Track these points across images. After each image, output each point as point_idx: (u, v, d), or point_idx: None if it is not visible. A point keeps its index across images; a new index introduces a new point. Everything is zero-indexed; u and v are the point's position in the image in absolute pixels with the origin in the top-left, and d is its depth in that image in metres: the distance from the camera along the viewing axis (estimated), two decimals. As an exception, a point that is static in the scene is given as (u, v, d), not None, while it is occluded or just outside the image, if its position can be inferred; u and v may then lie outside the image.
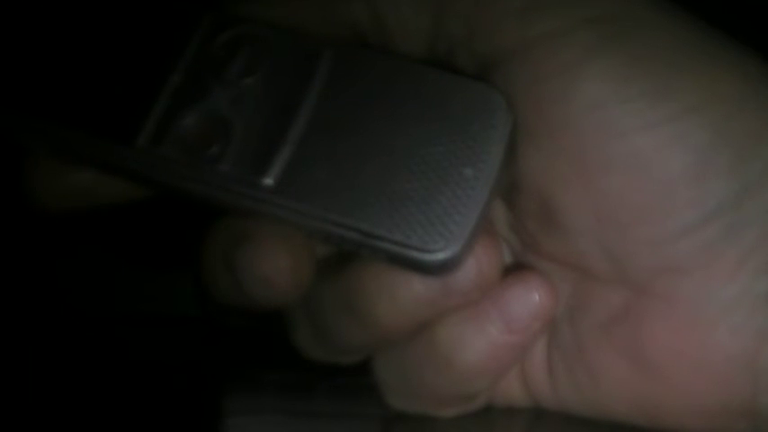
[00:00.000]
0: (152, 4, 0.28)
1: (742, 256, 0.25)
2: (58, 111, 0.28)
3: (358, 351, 0.29)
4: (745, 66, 0.26)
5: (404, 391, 0.29)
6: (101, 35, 0.28)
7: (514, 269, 0.28)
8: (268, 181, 0.26)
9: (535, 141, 0.26)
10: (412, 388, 0.28)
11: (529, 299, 0.27)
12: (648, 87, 0.25)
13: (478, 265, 0.26)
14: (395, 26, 0.27)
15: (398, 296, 0.27)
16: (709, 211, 0.25)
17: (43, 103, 0.28)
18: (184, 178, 0.27)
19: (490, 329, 0.27)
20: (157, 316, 0.40)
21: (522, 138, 0.26)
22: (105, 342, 0.39)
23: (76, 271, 0.41)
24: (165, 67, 0.27)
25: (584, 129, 0.25)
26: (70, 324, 0.40)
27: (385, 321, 0.27)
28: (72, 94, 0.28)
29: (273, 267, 0.26)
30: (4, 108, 0.28)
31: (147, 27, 0.28)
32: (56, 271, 0.41)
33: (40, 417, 0.34)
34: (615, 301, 0.27)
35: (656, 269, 0.26)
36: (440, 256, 0.26)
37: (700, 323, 0.26)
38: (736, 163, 0.25)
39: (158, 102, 0.27)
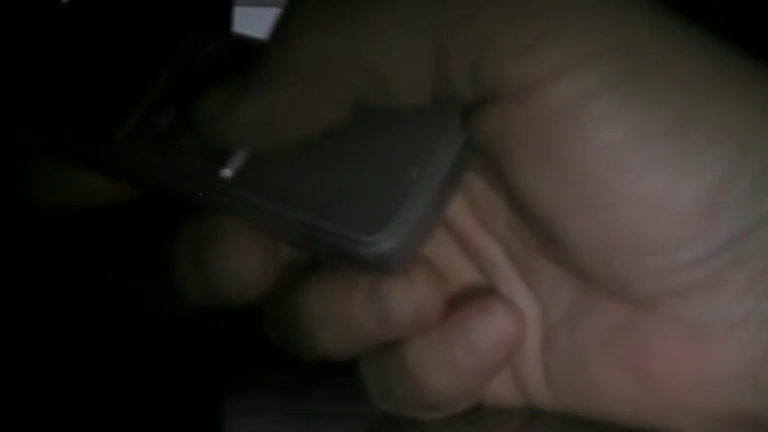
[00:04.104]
0: (147, 15, 0.29)
1: (750, 280, 0.25)
2: (45, 104, 0.29)
3: (327, 357, 0.29)
4: (763, 91, 0.25)
5: (384, 397, 0.29)
6: (94, 39, 0.30)
7: (483, 292, 0.28)
8: (226, 172, 0.27)
9: (543, 175, 0.25)
10: (390, 396, 0.29)
11: (493, 327, 0.27)
12: (663, 126, 0.24)
13: (415, 301, 0.26)
14: (398, 85, 0.26)
15: (340, 324, 0.27)
16: (721, 242, 0.25)
17: (32, 97, 0.29)
18: (154, 169, 0.28)
19: (455, 355, 0.27)
20: (157, 316, 0.40)
21: (529, 169, 0.25)
22: (105, 342, 0.39)
23: (76, 271, 0.41)
24: (150, 72, 0.28)
25: (594, 168, 0.25)
26: (70, 324, 0.40)
27: (331, 345, 0.28)
28: (61, 91, 0.29)
29: (242, 262, 0.27)
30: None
31: (139, 35, 0.29)
32: (55, 271, 0.41)
33: (40, 417, 0.34)
34: (617, 313, 0.27)
35: (663, 292, 0.26)
36: (377, 249, 0.26)
37: (704, 340, 0.25)
38: (750, 195, 0.24)
39: (140, 102, 0.28)
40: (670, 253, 0.25)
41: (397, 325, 0.27)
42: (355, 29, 0.25)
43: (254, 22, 0.42)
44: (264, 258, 0.27)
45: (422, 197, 0.26)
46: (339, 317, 0.27)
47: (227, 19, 0.42)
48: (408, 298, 0.26)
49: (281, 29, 0.26)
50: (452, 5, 0.25)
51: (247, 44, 0.29)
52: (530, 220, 0.27)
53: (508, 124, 0.25)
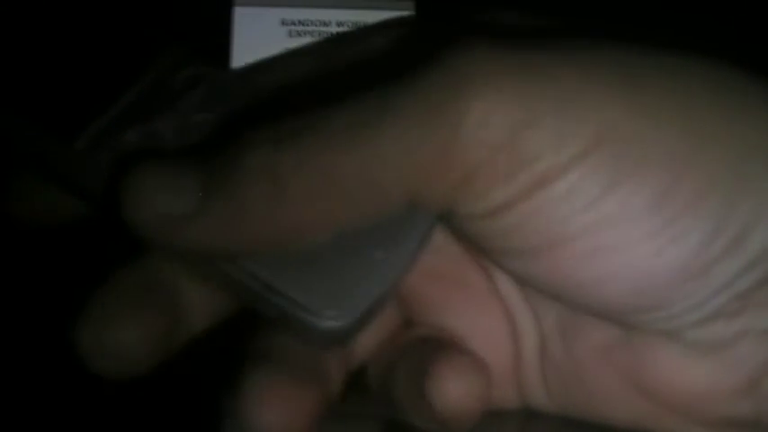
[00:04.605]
0: (126, 26, 0.29)
1: (743, 302, 0.25)
2: (9, 100, 0.28)
3: None
4: (739, 149, 0.25)
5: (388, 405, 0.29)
6: (71, 43, 0.29)
7: (449, 347, 0.28)
8: None
9: (526, 262, 0.25)
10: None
11: (457, 388, 0.26)
12: (644, 203, 0.24)
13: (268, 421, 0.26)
14: (363, 223, 0.25)
15: None
16: (712, 292, 0.25)
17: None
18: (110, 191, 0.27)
19: (430, 404, 0.27)
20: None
21: (509, 260, 0.26)
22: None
23: (76, 270, 0.41)
24: (123, 85, 0.28)
25: (577, 252, 0.25)
26: (70, 322, 0.40)
27: None
28: (28, 89, 0.28)
29: (117, 343, 0.25)
30: None
31: (117, 46, 0.29)
32: (56, 271, 0.41)
33: (41, 417, 0.34)
34: (612, 331, 0.27)
35: (657, 331, 0.26)
36: (328, 324, 0.25)
37: (701, 357, 0.26)
38: (738, 242, 0.24)
39: (107, 113, 0.27)
40: (658, 311, 0.25)
41: None
42: (325, 197, 0.24)
43: (254, 22, 0.42)
44: (148, 336, 0.26)
45: (382, 283, 0.26)
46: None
47: (226, 19, 0.42)
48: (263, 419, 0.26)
49: (242, 189, 0.24)
50: (424, 159, 0.24)
51: (225, 77, 0.28)
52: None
53: (484, 230, 0.25)
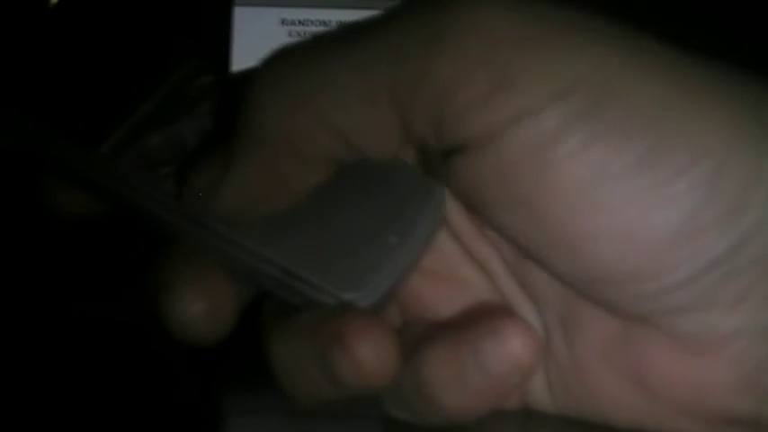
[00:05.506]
0: (147, 34, 0.31)
1: (740, 295, 0.25)
2: (36, 110, 0.29)
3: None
4: (733, 111, 0.24)
5: (396, 407, 0.29)
6: (92, 50, 0.30)
7: (498, 311, 0.28)
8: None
9: (516, 218, 0.25)
10: (403, 407, 0.29)
11: (507, 353, 0.26)
12: (632, 159, 0.24)
13: (359, 366, 0.26)
14: (365, 144, 0.26)
15: (301, 377, 0.27)
16: (703, 266, 0.24)
17: (24, 101, 0.29)
18: (135, 191, 0.28)
19: (468, 376, 0.27)
20: (157, 316, 0.40)
21: (502, 213, 0.26)
22: (106, 342, 0.39)
23: (77, 271, 0.41)
24: (143, 94, 0.29)
25: (564, 208, 0.24)
26: (70, 324, 0.40)
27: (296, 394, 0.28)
28: (53, 98, 0.30)
29: (189, 314, 0.27)
30: None
31: (135, 55, 0.30)
32: (56, 271, 0.41)
33: (40, 417, 0.34)
34: (611, 327, 0.27)
35: (652, 312, 0.26)
36: (350, 307, 0.26)
37: (700, 353, 0.25)
38: (727, 217, 0.24)
39: (129, 119, 0.29)
40: (651, 280, 0.25)
41: (348, 387, 0.26)
42: (318, 95, 0.26)
43: (254, 22, 0.42)
44: (216, 307, 0.28)
45: (397, 265, 0.27)
46: (298, 371, 0.27)
47: (227, 19, 0.42)
48: (351, 363, 0.26)
49: (248, 103, 0.26)
50: (407, 64, 0.25)
51: (242, 81, 0.29)
52: (517, 251, 0.27)
53: (476, 173, 0.25)
